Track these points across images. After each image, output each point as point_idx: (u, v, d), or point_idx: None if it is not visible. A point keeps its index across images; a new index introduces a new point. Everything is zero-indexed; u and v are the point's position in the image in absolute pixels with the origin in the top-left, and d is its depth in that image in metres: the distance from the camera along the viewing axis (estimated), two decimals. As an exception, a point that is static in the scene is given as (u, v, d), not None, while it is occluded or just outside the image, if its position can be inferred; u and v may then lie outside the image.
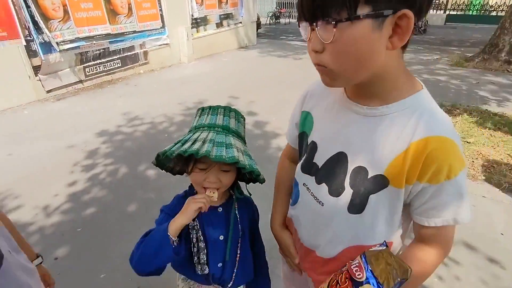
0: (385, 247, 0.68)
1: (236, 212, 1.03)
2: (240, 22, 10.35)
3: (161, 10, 7.34)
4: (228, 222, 1.02)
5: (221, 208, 1.02)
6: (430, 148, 0.66)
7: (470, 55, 8.63)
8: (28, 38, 4.98)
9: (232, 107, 0.96)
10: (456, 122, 4.44)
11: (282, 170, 1.11)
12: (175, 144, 0.89)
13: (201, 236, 0.98)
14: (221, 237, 1.01)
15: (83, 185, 3.01)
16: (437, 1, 17.29)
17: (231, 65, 8.09)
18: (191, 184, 1.04)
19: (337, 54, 0.62)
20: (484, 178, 3.18)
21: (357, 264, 0.68)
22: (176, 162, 1.02)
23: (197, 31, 8.66)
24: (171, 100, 5.34)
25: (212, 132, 0.89)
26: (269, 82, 6.49)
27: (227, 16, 9.73)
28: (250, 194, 1.12)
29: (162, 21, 7.44)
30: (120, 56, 6.63)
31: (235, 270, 1.05)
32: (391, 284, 0.63)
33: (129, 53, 6.82)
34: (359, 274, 0.66)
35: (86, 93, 5.86)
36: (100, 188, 2.97)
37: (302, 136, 0.93)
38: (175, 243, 0.88)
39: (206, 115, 0.94)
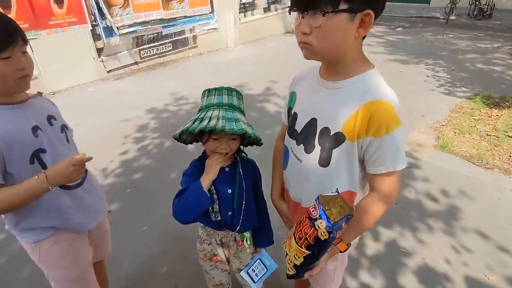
0: (337, 193, 0.91)
1: (240, 171, 1.29)
2: (288, 7, 10.33)
3: (210, -5, 7.67)
4: (234, 179, 1.29)
5: (228, 168, 1.29)
6: (373, 109, 0.88)
7: (538, 43, 7.86)
8: (94, 23, 5.60)
9: (233, 87, 1.21)
10: (502, 115, 4.23)
11: (277, 152, 1.34)
12: (194, 122, 1.14)
13: (214, 190, 1.27)
14: (229, 191, 1.28)
15: (133, 154, 3.49)
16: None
17: (275, 50, 8.24)
18: (203, 151, 1.32)
19: (321, 36, 0.84)
20: (518, 173, 3.11)
21: (313, 206, 0.91)
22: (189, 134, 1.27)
23: (245, 16, 8.88)
24: (214, 82, 5.70)
25: (222, 110, 1.14)
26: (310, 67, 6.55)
27: (275, 1, 9.78)
28: (246, 155, 1.36)
29: (212, 7, 7.77)
30: (172, 40, 7.12)
31: (241, 218, 1.31)
32: (338, 218, 0.85)
33: (179, 37, 7.28)
34: (314, 213, 0.89)
35: (141, 73, 6.45)
36: (147, 157, 3.43)
37: (290, 110, 1.17)
38: (208, 194, 1.18)
39: (213, 96, 1.18)
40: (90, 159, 1.09)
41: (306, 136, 1.04)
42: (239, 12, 8.56)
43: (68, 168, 1.04)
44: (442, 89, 5.29)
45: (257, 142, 1.26)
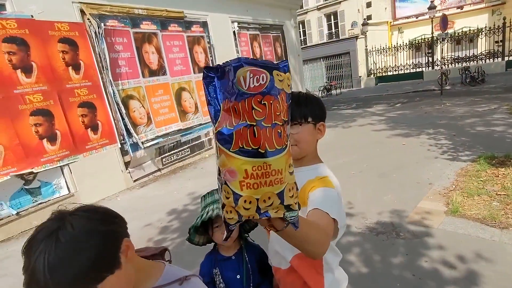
0: None
1: (246, 256, 1.52)
2: (291, 101, 11.44)
3: (220, 103, 8.75)
4: (241, 265, 1.51)
5: (234, 257, 1.52)
6: (313, 182, 1.18)
7: (534, 99, 8.19)
8: (122, 142, 6.46)
9: None
10: (509, 173, 4.31)
11: None
12: (196, 220, 1.43)
13: (221, 279, 1.49)
14: (238, 276, 1.49)
15: (158, 255, 3.72)
16: (492, 50, 16.77)
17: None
18: (214, 243, 1.57)
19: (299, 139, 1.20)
20: (533, 229, 3.09)
21: None
22: (200, 234, 1.53)
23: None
24: (230, 178, 6.15)
25: (216, 204, 1.44)
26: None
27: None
28: (253, 241, 1.61)
29: (222, 112, 8.79)
30: (189, 145, 7.95)
31: None
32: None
33: (196, 142, 8.13)
34: None
35: (163, 178, 7.05)
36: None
37: None
38: None
39: (207, 198, 1.49)
40: None
41: None
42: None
43: None
44: (446, 156, 5.50)
45: (256, 224, 1.53)
